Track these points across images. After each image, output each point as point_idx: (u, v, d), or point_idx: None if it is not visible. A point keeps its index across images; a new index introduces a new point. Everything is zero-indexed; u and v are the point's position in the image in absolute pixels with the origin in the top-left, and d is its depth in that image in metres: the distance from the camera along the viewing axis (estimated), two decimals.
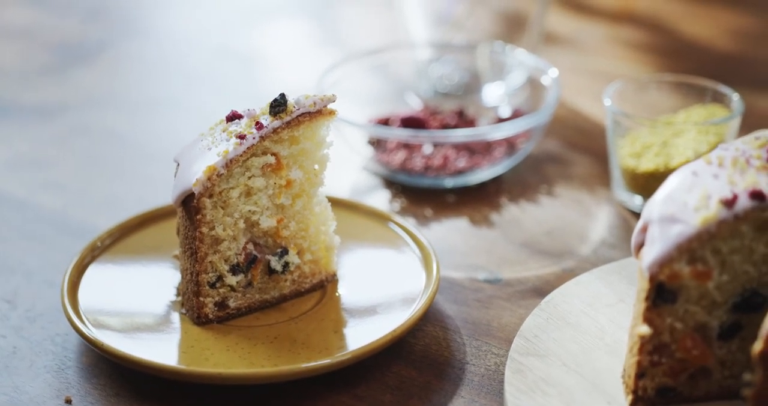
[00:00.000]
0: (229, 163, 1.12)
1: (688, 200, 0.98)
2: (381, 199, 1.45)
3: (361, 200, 1.37)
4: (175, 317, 1.17)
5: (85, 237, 1.34)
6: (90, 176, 1.54)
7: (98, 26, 2.05)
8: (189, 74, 1.86)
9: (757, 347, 0.88)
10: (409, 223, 1.33)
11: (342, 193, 1.43)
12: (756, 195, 0.96)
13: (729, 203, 0.96)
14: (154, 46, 1.97)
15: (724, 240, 0.98)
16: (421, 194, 1.46)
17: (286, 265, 1.19)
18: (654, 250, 0.98)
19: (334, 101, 1.16)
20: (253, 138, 1.12)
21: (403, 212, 1.42)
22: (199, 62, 1.91)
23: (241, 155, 1.12)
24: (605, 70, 1.80)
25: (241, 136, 1.12)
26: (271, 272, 1.19)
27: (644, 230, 1.02)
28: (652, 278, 0.98)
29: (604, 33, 1.96)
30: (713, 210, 0.96)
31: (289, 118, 1.14)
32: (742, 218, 0.96)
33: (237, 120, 1.15)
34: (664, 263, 0.98)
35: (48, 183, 1.51)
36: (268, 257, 1.18)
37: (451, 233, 1.39)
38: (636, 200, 1.39)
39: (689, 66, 1.79)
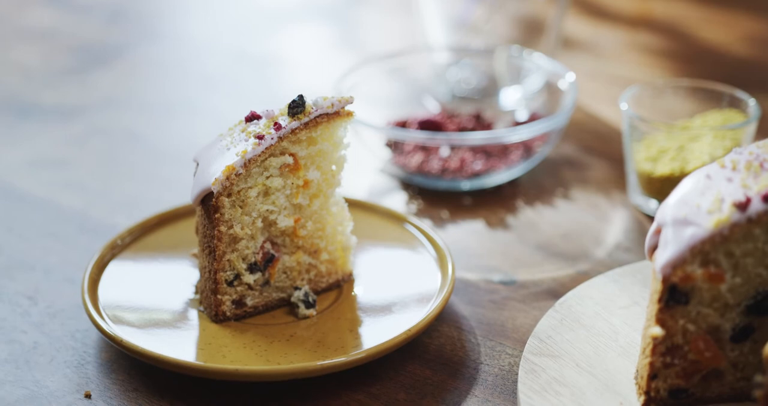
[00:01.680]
0: (248, 163, 1.13)
1: (702, 203, 0.99)
2: (398, 201, 1.47)
3: (378, 202, 1.39)
4: (193, 314, 1.19)
5: (104, 235, 1.36)
6: (109, 176, 1.56)
7: (118, 29, 2.07)
8: (207, 77, 1.88)
9: None
10: (425, 224, 1.34)
11: (360, 194, 1.45)
12: None
13: (742, 206, 0.97)
14: (172, 49, 1.99)
15: (737, 243, 0.98)
16: (438, 196, 1.47)
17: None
18: (667, 252, 0.99)
19: (351, 103, 1.17)
20: (272, 138, 1.14)
21: (419, 213, 1.44)
22: (217, 65, 1.93)
23: (259, 155, 1.13)
24: (623, 75, 1.81)
25: (260, 137, 1.14)
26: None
27: (658, 232, 1.03)
28: (665, 280, 0.99)
29: (621, 38, 1.96)
30: (726, 213, 0.97)
31: (307, 119, 1.15)
32: (755, 221, 0.97)
33: (256, 120, 1.17)
34: (677, 264, 0.98)
35: (68, 183, 1.53)
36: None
37: (467, 235, 1.40)
38: (652, 204, 1.40)
39: (706, 71, 1.79)
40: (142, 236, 1.29)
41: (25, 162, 1.58)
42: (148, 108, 1.78)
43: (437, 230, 1.40)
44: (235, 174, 1.13)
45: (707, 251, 0.98)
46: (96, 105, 1.76)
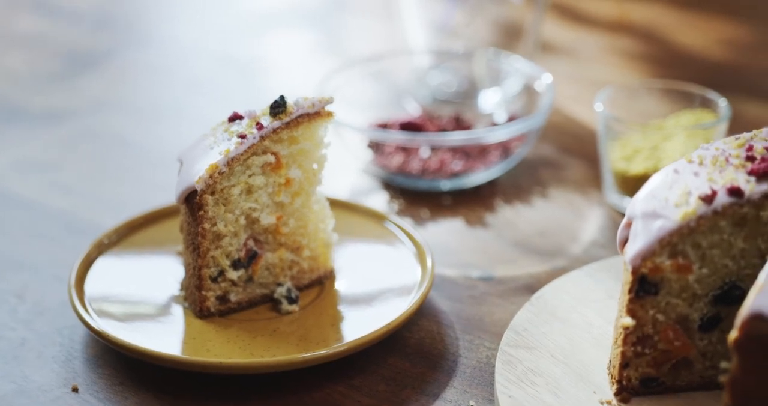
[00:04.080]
0: (231, 162, 1.16)
1: (670, 197, 1.02)
2: (379, 201, 1.50)
3: (360, 202, 1.41)
4: (178, 310, 1.21)
5: (92, 236, 1.38)
6: (96, 179, 1.59)
7: (106, 35, 2.10)
8: (192, 81, 1.91)
9: (733, 335, 0.91)
10: (405, 222, 1.37)
11: (342, 195, 1.47)
12: (734, 191, 1.00)
13: (708, 199, 1.00)
14: (159, 53, 2.02)
15: (704, 235, 1.02)
16: (418, 196, 1.50)
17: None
18: (637, 244, 1.02)
19: (331, 103, 1.21)
20: (254, 138, 1.17)
21: (400, 213, 1.46)
22: (203, 70, 1.96)
23: (242, 154, 1.16)
24: (601, 79, 1.84)
25: (242, 136, 1.16)
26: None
27: (628, 225, 1.06)
28: (635, 271, 1.02)
29: (600, 42, 2.00)
30: (693, 206, 1.00)
31: (289, 118, 1.18)
32: (721, 213, 1.00)
33: (238, 120, 1.20)
34: (646, 256, 1.02)
35: (56, 185, 1.55)
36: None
37: (446, 233, 1.43)
38: (626, 202, 1.43)
39: (683, 74, 1.82)
40: (129, 235, 1.32)
41: (14, 165, 1.61)
42: (135, 112, 1.80)
43: (418, 228, 1.43)
44: (219, 172, 1.16)
45: (675, 243, 1.01)
46: (84, 109, 1.79)
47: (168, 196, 1.43)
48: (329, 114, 1.21)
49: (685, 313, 1.05)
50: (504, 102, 1.70)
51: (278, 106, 1.18)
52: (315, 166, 1.23)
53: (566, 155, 1.60)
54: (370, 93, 1.72)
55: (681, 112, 1.48)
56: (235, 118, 1.20)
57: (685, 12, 2.11)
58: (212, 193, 1.17)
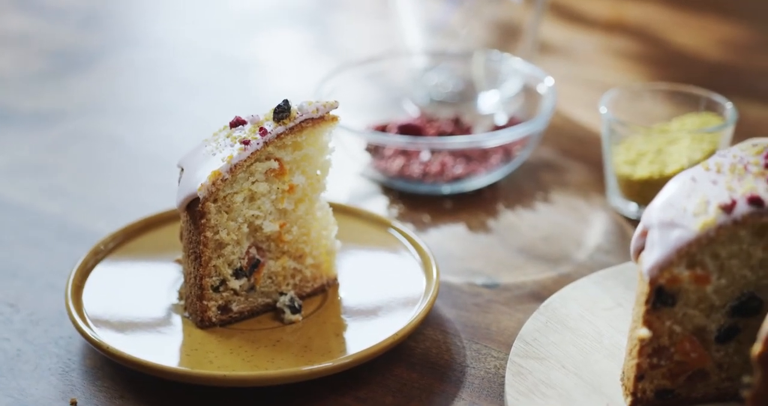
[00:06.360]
0: (234, 169, 1.13)
1: (688, 206, 1.00)
2: (379, 206, 1.47)
3: (359, 206, 1.39)
4: (178, 320, 1.18)
5: (85, 242, 1.35)
6: (88, 182, 1.55)
7: (94, 33, 2.06)
8: (184, 81, 1.87)
9: (757, 348, 0.89)
10: (409, 228, 1.34)
11: (340, 199, 1.45)
12: (754, 201, 0.98)
13: (728, 209, 0.98)
14: (150, 53, 1.99)
15: (723, 245, 0.99)
16: (419, 200, 1.47)
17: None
18: (654, 254, 1.00)
19: (336, 107, 1.18)
20: (257, 144, 1.14)
21: (401, 218, 1.44)
22: (195, 70, 1.93)
23: (245, 160, 1.13)
24: (598, 79, 1.82)
25: (245, 142, 1.13)
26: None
27: (644, 234, 1.04)
28: (652, 282, 1.00)
29: (596, 43, 1.98)
30: (712, 215, 0.98)
31: (293, 124, 1.15)
32: (741, 223, 0.98)
33: (241, 126, 1.17)
34: (664, 267, 0.99)
35: (47, 188, 1.52)
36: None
37: (448, 238, 1.40)
38: (631, 207, 1.41)
39: (680, 75, 1.81)
40: (126, 242, 1.29)
41: (4, 168, 1.57)
42: (125, 113, 1.77)
43: (419, 234, 1.40)
44: (221, 179, 1.12)
45: (694, 253, 0.99)
46: (74, 110, 1.75)
47: (162, 199, 1.40)
48: (334, 119, 1.18)
49: (702, 324, 1.02)
50: (503, 103, 1.67)
51: (282, 111, 1.15)
52: (318, 172, 1.20)
53: (567, 158, 1.58)
54: (366, 95, 1.70)
55: (685, 115, 1.46)
56: (237, 123, 1.17)
57: (679, 12, 2.09)
58: (215, 201, 1.14)
